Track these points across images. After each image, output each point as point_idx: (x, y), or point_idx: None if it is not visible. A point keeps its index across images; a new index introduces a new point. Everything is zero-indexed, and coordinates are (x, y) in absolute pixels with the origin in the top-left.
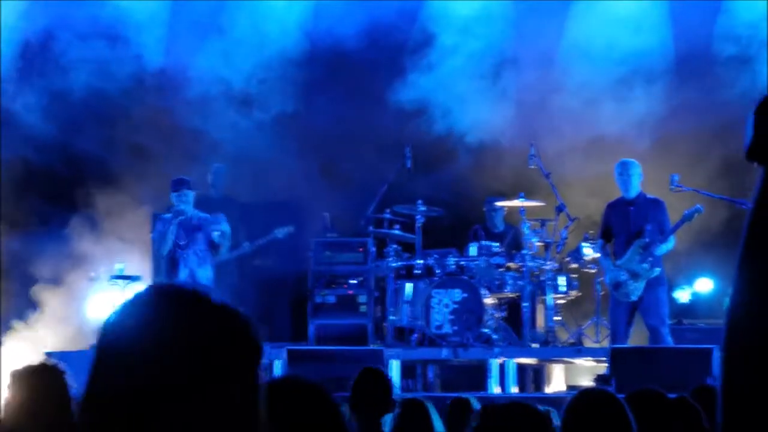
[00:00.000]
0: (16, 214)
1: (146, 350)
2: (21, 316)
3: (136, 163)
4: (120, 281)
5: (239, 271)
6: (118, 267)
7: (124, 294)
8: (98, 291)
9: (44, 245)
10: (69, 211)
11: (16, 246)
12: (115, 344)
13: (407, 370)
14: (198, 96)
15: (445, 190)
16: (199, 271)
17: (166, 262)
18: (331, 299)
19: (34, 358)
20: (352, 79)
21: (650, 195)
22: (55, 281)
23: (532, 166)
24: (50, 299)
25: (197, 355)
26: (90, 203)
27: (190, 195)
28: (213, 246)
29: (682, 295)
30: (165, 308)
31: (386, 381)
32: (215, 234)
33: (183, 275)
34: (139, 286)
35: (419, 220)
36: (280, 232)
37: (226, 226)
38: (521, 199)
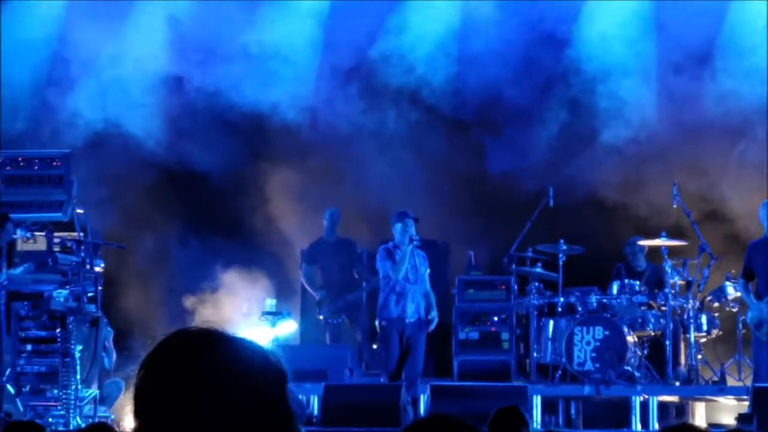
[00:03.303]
0: (166, 242)
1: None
2: None
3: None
4: (270, 317)
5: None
6: (269, 303)
7: (274, 331)
8: (248, 327)
9: (197, 277)
10: (222, 243)
11: (167, 279)
12: (146, 385)
13: (549, 407)
14: (342, 139)
15: (587, 228)
16: (422, 306)
17: (389, 293)
18: (475, 336)
19: None
20: (501, 123)
21: None
22: (208, 315)
23: (675, 206)
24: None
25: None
26: (245, 236)
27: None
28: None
29: None
30: (198, 347)
31: (523, 418)
32: (427, 272)
33: (410, 310)
34: (289, 324)
35: (561, 258)
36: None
37: (427, 267)
38: (663, 238)
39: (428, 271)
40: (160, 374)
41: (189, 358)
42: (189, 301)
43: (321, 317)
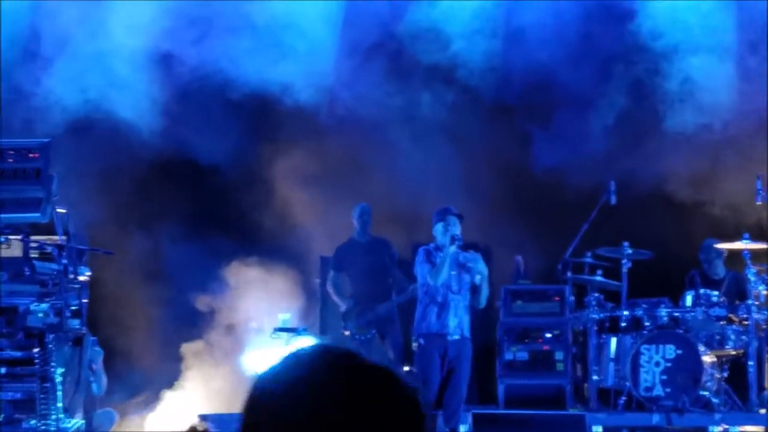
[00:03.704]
0: (160, 246)
1: (299, 413)
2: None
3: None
4: (283, 334)
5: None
6: (282, 318)
7: (287, 349)
8: (259, 344)
9: (197, 287)
10: (225, 246)
11: (163, 289)
12: (266, 404)
13: None
14: (365, 125)
15: (655, 229)
16: (466, 321)
17: (429, 304)
18: (523, 356)
19: (186, 422)
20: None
21: None
22: (215, 332)
23: (760, 202)
24: (203, 353)
25: (356, 424)
26: (256, 244)
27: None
28: (473, 291)
29: None
30: (325, 369)
31: None
32: (477, 277)
33: (452, 324)
34: (305, 341)
35: (625, 265)
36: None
37: (484, 267)
38: (745, 241)
39: (486, 270)
40: (303, 403)
41: (339, 387)
42: (189, 316)
43: (347, 332)
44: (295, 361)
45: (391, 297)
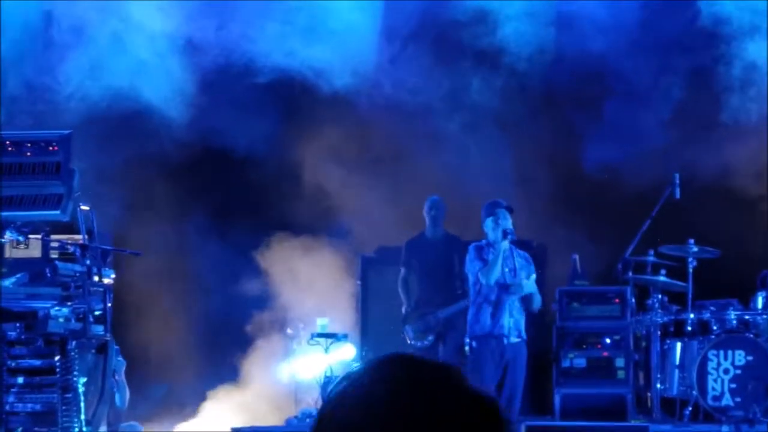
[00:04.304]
0: (188, 244)
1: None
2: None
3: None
4: (322, 340)
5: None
6: (320, 322)
7: (327, 357)
8: (296, 351)
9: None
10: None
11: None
12: (338, 419)
13: None
14: (406, 112)
15: (723, 225)
16: (522, 322)
17: (482, 304)
18: (581, 363)
19: None
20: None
21: None
22: (248, 339)
23: None
24: (237, 361)
25: None
26: (291, 243)
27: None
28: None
29: None
30: (401, 382)
31: None
32: (532, 277)
33: (508, 325)
34: (346, 348)
35: (691, 264)
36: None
37: (533, 270)
38: None
39: (534, 275)
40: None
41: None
42: (220, 322)
43: (408, 341)
44: (357, 378)
45: (457, 301)
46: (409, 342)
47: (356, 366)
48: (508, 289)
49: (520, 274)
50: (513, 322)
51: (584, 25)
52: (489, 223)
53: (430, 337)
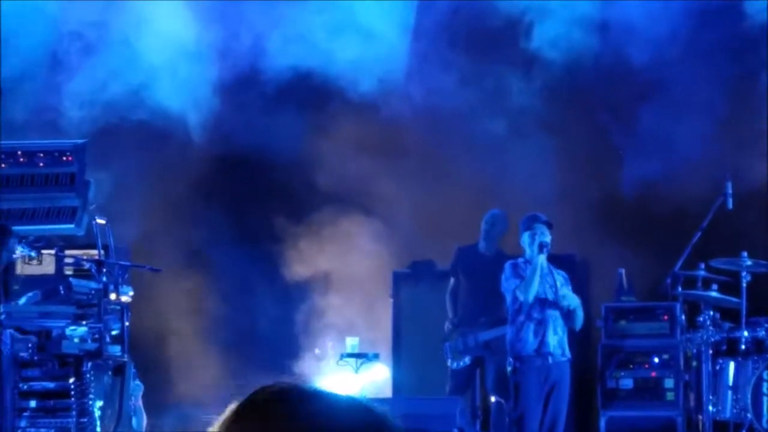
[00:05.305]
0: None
1: None
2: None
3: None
4: (352, 360)
5: None
6: (350, 342)
7: (358, 379)
8: (325, 373)
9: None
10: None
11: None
12: None
13: None
14: (439, 117)
15: None
16: (566, 339)
17: (524, 322)
18: (628, 383)
19: None
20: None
21: None
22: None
23: None
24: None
25: None
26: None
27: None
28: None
29: None
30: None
31: None
32: (564, 303)
33: (553, 343)
34: (379, 369)
35: (744, 278)
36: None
37: (570, 293)
38: None
39: (574, 298)
40: None
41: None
42: (242, 342)
43: (447, 359)
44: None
45: (501, 325)
46: (447, 362)
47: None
48: (552, 305)
49: (562, 290)
50: (558, 340)
51: (627, 32)
52: (526, 237)
53: (467, 359)
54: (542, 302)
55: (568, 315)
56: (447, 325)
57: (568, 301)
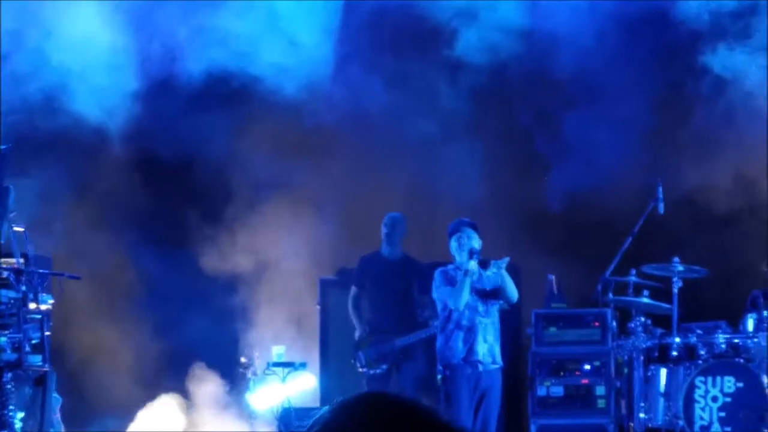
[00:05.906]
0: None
1: None
2: None
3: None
4: (279, 369)
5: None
6: (276, 351)
7: (284, 389)
8: (253, 382)
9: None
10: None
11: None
12: None
13: None
14: (361, 119)
15: (709, 242)
16: (497, 347)
17: (453, 330)
18: (559, 391)
19: None
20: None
21: None
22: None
23: None
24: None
25: None
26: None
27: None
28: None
29: None
30: (374, 422)
31: None
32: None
33: (482, 350)
34: (305, 378)
35: (676, 284)
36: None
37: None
38: None
39: (502, 263)
40: None
41: None
42: (170, 351)
43: (360, 368)
44: (328, 421)
45: (414, 330)
46: (360, 369)
47: (325, 409)
48: (483, 313)
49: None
50: (488, 348)
51: (553, 39)
52: (453, 242)
53: (384, 366)
54: (473, 310)
55: (498, 294)
56: (358, 334)
57: (492, 283)
